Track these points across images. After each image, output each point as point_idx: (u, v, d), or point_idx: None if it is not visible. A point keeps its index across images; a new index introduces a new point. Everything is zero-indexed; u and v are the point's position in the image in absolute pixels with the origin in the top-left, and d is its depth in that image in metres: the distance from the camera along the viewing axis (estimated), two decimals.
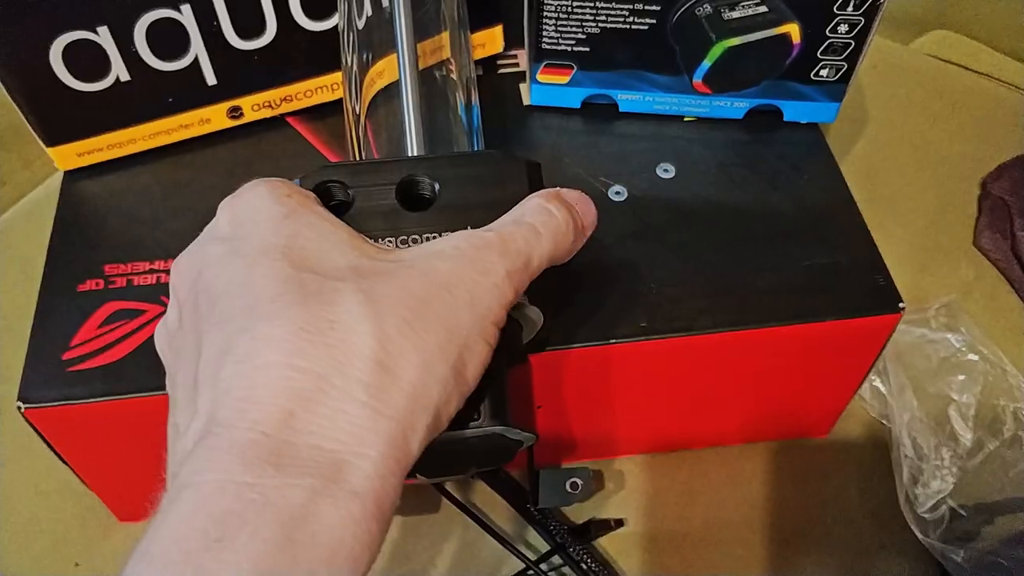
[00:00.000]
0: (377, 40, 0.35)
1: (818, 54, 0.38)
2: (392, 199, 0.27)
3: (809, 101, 0.40)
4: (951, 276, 0.49)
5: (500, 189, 0.27)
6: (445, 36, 0.35)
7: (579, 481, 0.32)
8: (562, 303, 0.34)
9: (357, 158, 0.33)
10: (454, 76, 0.36)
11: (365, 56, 0.35)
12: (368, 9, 0.35)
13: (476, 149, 0.34)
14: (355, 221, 0.26)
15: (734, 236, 0.37)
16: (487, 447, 0.27)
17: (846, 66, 0.38)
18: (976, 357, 0.44)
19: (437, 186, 0.27)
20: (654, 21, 0.37)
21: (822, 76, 0.38)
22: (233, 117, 0.41)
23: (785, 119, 0.40)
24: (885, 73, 0.57)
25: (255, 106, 0.41)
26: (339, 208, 0.27)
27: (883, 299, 0.35)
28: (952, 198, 0.52)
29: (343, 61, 0.35)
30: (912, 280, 0.48)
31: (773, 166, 0.39)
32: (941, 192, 0.52)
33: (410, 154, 0.30)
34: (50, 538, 0.40)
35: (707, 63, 0.38)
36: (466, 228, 0.26)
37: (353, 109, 0.34)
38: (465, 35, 0.36)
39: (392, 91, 0.33)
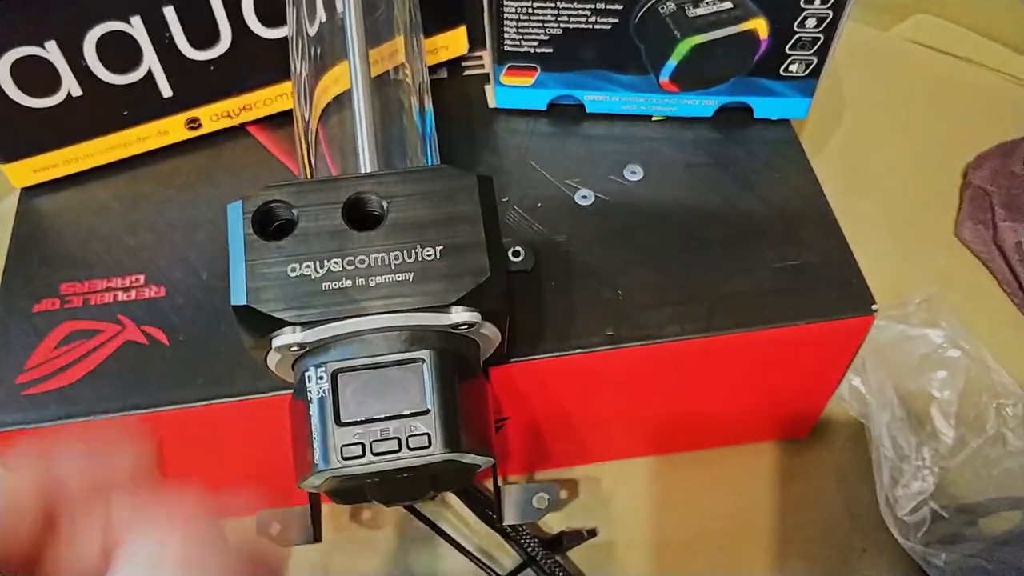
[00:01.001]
0: (328, 47, 0.34)
1: (786, 49, 0.37)
2: (339, 219, 0.26)
3: (779, 97, 0.39)
4: (932, 268, 0.48)
5: (451, 205, 0.26)
6: (399, 41, 0.34)
7: (546, 496, 0.31)
8: (526, 312, 0.33)
9: (307, 168, 0.32)
10: (408, 81, 0.35)
11: (316, 63, 0.34)
12: (321, 14, 0.34)
13: (429, 159, 0.33)
14: (300, 242, 0.26)
15: (703, 239, 0.36)
16: (444, 471, 0.26)
17: (816, 60, 0.37)
18: (958, 353, 0.43)
19: (386, 204, 0.26)
20: (617, 20, 0.36)
21: (791, 72, 0.37)
22: (192, 128, 0.40)
23: (756, 116, 0.39)
24: (864, 60, 0.56)
25: (214, 116, 0.40)
26: (284, 227, 0.26)
27: (856, 301, 0.34)
28: (933, 188, 0.51)
29: (292, 68, 0.35)
30: (892, 272, 0.47)
31: (744, 165, 0.38)
32: (922, 182, 0.51)
33: (362, 169, 0.29)
34: None
35: (673, 61, 0.37)
36: (415, 246, 0.26)
37: (303, 117, 0.33)
38: (418, 39, 0.35)
39: (344, 100, 0.32)
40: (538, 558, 0.36)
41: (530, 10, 0.36)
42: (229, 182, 0.39)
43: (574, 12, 0.36)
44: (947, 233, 0.49)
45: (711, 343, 0.33)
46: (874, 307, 0.34)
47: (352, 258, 0.26)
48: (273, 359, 0.27)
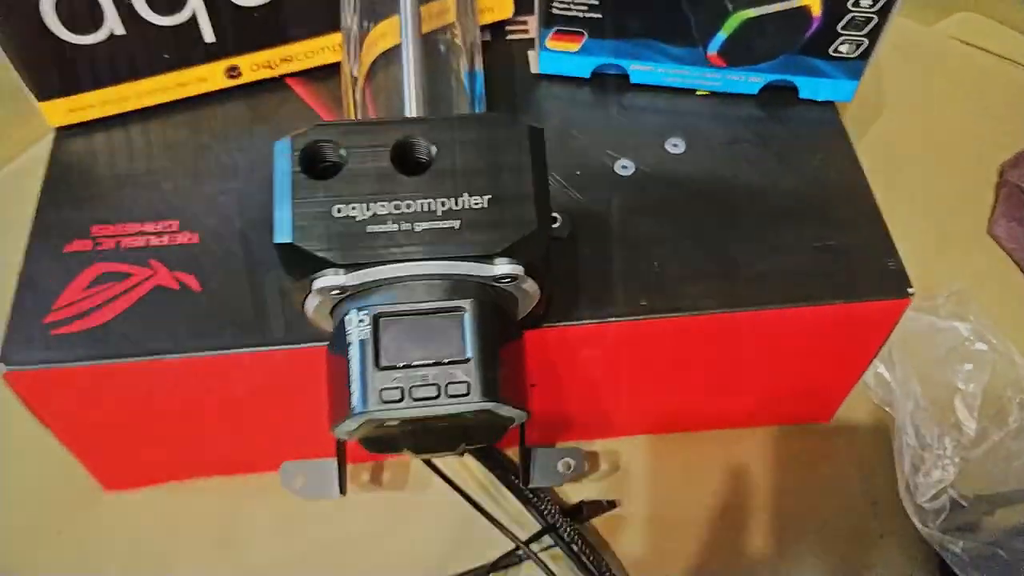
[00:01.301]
0: (379, 1, 0.33)
1: (838, 28, 0.36)
2: (386, 161, 0.26)
3: (826, 78, 0.38)
4: (963, 264, 0.48)
5: (500, 154, 0.26)
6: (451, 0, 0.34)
7: (571, 461, 0.31)
8: (561, 278, 0.33)
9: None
10: (458, 41, 0.35)
11: (366, 17, 0.33)
12: None
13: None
14: (347, 182, 0.25)
15: (742, 215, 0.35)
16: (477, 423, 0.26)
17: (867, 42, 0.37)
18: (984, 346, 0.42)
19: (434, 149, 0.26)
20: None
21: (841, 52, 0.37)
22: (231, 76, 0.39)
23: (800, 96, 0.39)
24: (906, 54, 0.55)
25: (254, 66, 0.39)
26: (331, 169, 0.26)
27: (893, 283, 0.34)
28: (969, 184, 0.51)
29: (342, 21, 0.34)
30: (923, 267, 0.46)
31: (786, 144, 0.38)
32: (958, 178, 0.51)
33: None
34: (32, 505, 0.40)
35: (723, 35, 0.37)
36: (462, 194, 0.25)
37: (351, 71, 0.33)
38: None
39: (393, 55, 0.32)
40: (558, 525, 0.36)
41: None
42: (267, 133, 0.39)
43: None
44: (980, 230, 0.49)
45: (745, 318, 0.33)
46: (910, 290, 0.33)
47: (399, 202, 0.25)
48: (312, 302, 0.26)
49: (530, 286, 0.27)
